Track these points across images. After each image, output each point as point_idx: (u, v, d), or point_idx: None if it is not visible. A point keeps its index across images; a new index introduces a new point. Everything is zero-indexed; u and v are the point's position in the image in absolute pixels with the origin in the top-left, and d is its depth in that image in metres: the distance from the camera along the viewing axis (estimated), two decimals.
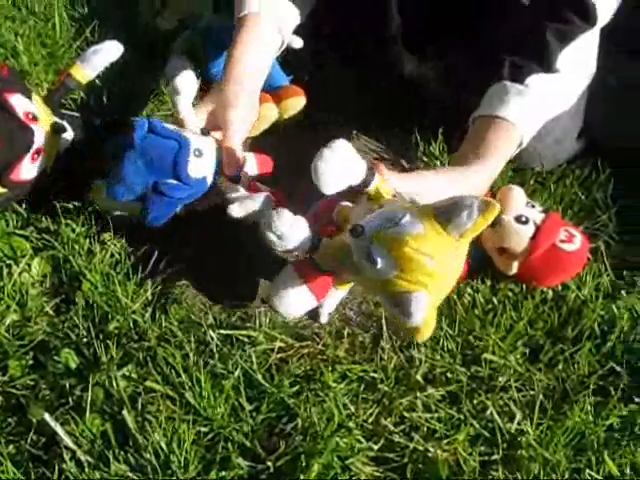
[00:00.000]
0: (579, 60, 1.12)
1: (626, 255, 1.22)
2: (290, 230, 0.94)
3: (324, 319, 1.11)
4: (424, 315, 0.86)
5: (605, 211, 1.25)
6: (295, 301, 0.98)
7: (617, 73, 1.27)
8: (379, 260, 0.87)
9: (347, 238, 0.92)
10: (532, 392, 1.06)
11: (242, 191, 1.11)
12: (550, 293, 1.14)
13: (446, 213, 0.86)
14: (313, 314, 1.08)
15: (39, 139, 1.13)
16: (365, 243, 0.89)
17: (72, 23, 1.51)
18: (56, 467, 0.95)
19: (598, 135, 1.29)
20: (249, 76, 1.13)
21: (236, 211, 1.04)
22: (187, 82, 1.12)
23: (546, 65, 1.09)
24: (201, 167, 1.10)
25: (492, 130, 1.09)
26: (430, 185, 1.02)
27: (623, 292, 1.16)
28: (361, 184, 0.96)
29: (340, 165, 0.93)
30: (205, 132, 1.15)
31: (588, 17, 1.08)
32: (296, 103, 1.29)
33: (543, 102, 1.11)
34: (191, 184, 1.09)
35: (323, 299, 1.00)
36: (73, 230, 1.16)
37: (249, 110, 1.13)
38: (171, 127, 1.10)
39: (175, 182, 1.08)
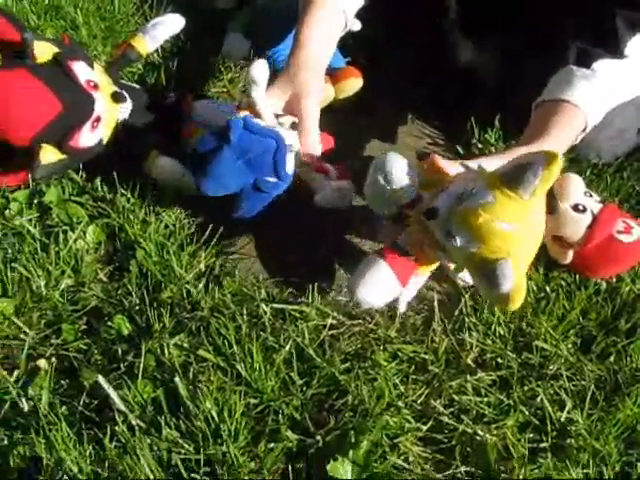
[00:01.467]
0: None
1: None
2: (399, 172, 0.95)
3: (403, 307, 1.09)
4: (512, 282, 0.86)
5: None
6: (381, 289, 1.01)
7: None
8: (457, 237, 0.89)
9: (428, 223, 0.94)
10: (583, 382, 1.05)
11: (321, 178, 1.11)
12: (604, 285, 1.13)
13: (512, 177, 0.87)
14: (392, 302, 1.07)
15: (100, 107, 1.14)
16: (442, 223, 0.90)
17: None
18: (108, 429, 0.95)
19: None
20: (317, 61, 1.14)
21: (324, 201, 1.08)
22: (262, 71, 1.13)
23: (614, 50, 1.08)
24: (293, 162, 1.11)
25: (556, 113, 1.08)
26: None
27: None
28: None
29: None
30: (294, 126, 1.14)
31: None
32: (353, 85, 1.29)
33: (609, 87, 1.10)
34: (287, 179, 1.10)
35: (406, 286, 1.01)
36: (128, 200, 1.17)
37: (320, 94, 1.13)
38: (262, 123, 1.10)
39: (274, 180, 1.09)
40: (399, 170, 0.96)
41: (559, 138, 1.07)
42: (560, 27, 1.14)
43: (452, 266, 1.04)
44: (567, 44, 1.11)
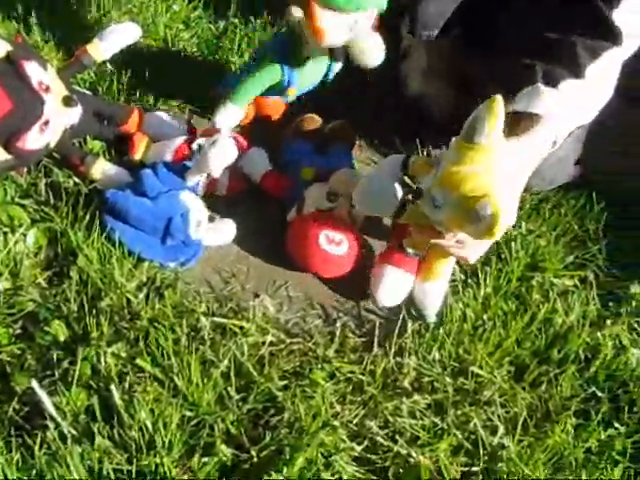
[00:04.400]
0: (603, 76, 1.16)
1: (613, 287, 1.24)
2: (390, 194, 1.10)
3: (431, 318, 1.14)
4: (491, 211, 0.92)
5: (596, 242, 1.28)
6: (400, 290, 1.15)
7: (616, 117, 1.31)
8: (440, 198, 0.99)
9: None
10: (515, 409, 1.08)
11: None
12: (539, 315, 1.16)
13: (466, 131, 0.97)
14: (419, 315, 1.14)
15: (49, 110, 1.13)
16: (427, 197, 1.01)
17: (88, 5, 1.50)
18: (38, 437, 0.93)
19: (592, 168, 1.32)
20: None
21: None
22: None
23: (577, 74, 1.13)
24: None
25: (527, 124, 1.12)
26: None
27: (609, 322, 1.18)
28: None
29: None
30: None
31: (614, 38, 1.13)
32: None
33: (573, 106, 1.14)
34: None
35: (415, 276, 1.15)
36: (72, 205, 1.15)
37: None
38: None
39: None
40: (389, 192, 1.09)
41: (532, 144, 1.11)
42: (523, 50, 1.18)
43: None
44: (534, 65, 1.15)
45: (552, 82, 1.13)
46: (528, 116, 1.12)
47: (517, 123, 1.12)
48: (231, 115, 1.23)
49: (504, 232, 1.00)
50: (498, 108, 0.94)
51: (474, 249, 1.09)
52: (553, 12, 1.18)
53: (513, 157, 1.01)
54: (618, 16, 1.13)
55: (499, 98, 0.94)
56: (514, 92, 1.15)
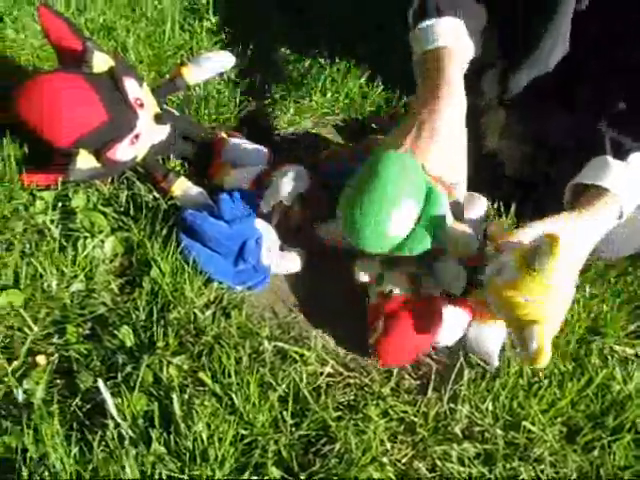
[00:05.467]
0: None
1: None
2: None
3: (496, 362, 1.14)
4: (536, 344, 0.95)
5: None
6: (454, 325, 1.14)
7: None
8: (493, 307, 1.02)
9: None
10: (565, 470, 1.07)
11: None
12: (597, 379, 1.15)
13: (530, 260, 0.97)
14: (486, 359, 1.14)
15: (141, 125, 1.18)
16: (485, 292, 1.03)
17: (181, 33, 1.57)
18: (97, 434, 0.95)
19: None
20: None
21: None
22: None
23: None
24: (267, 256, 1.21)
25: (593, 197, 1.12)
26: None
27: None
28: None
29: None
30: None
31: None
32: None
33: None
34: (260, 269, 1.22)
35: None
36: (151, 219, 1.19)
37: None
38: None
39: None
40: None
41: (596, 218, 1.11)
42: (594, 115, 1.19)
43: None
44: (603, 135, 1.16)
45: (621, 154, 1.14)
46: (594, 188, 1.13)
47: (583, 197, 1.13)
48: None
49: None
50: (556, 248, 0.95)
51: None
52: (630, 80, 1.19)
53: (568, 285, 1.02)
54: None
55: (558, 238, 0.94)
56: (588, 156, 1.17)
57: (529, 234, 1.06)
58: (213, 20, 1.61)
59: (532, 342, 0.94)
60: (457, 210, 1.15)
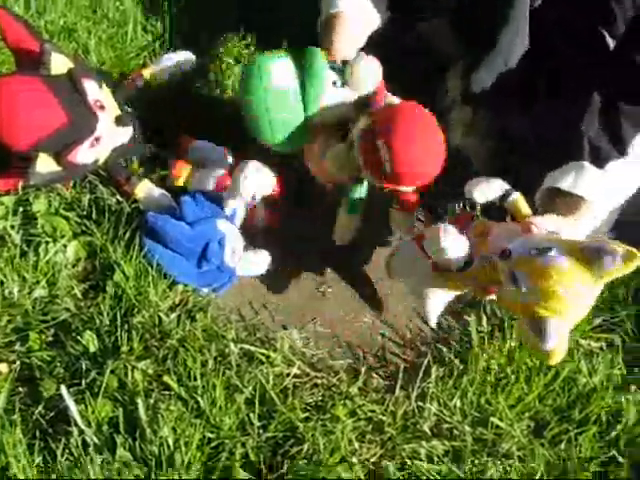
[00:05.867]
0: None
1: (639, 353, 1.24)
2: (453, 244, 1.03)
3: (434, 323, 1.13)
4: (557, 341, 0.92)
5: (625, 307, 1.28)
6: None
7: None
8: (522, 285, 0.95)
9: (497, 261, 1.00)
10: (533, 464, 1.07)
11: None
12: (563, 373, 1.16)
13: (592, 253, 0.93)
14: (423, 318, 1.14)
15: (102, 128, 1.16)
16: (511, 266, 0.97)
17: (143, 34, 1.55)
18: (61, 442, 0.94)
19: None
20: None
21: None
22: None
23: (621, 151, 1.14)
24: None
25: (572, 205, 1.12)
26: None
27: (633, 387, 1.18)
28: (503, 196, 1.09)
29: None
30: None
31: None
32: None
33: (618, 185, 1.15)
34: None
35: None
36: (114, 222, 1.18)
37: None
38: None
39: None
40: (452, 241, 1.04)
41: (577, 225, 1.11)
42: (571, 120, 1.19)
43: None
44: (581, 139, 1.15)
45: (599, 162, 1.14)
46: (570, 196, 1.13)
47: (558, 199, 1.14)
48: None
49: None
50: (634, 264, 0.92)
51: None
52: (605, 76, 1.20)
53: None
54: None
55: (638, 257, 0.91)
56: (556, 157, 1.18)
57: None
58: (176, 20, 1.59)
59: (551, 337, 0.92)
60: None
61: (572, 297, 0.94)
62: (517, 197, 1.09)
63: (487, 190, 1.11)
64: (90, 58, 1.44)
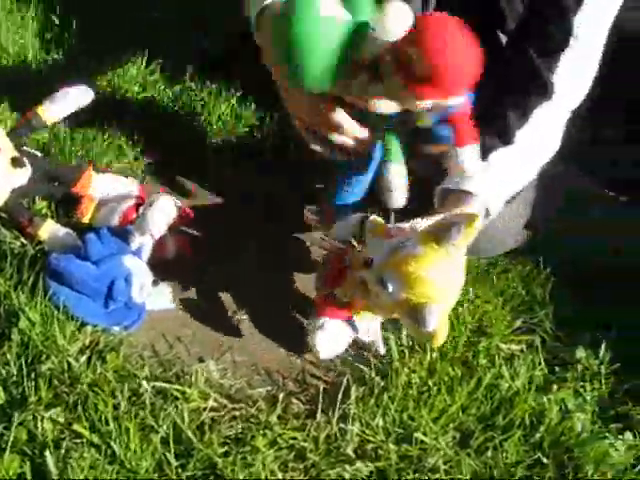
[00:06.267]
0: (538, 134, 1.17)
1: (559, 351, 1.25)
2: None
3: (382, 349, 1.16)
4: (435, 322, 0.95)
5: (543, 307, 1.28)
6: (337, 340, 1.13)
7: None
8: (389, 284, 0.98)
9: (362, 273, 1.04)
10: (460, 476, 1.06)
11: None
12: (485, 380, 1.15)
13: (439, 233, 0.97)
14: (369, 348, 1.16)
15: None
16: (376, 273, 1.00)
17: (43, 66, 1.52)
18: None
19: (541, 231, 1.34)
20: None
21: None
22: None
23: (507, 140, 1.15)
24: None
25: (457, 200, 1.13)
26: None
27: (554, 386, 1.18)
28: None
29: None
30: None
31: (544, 91, 1.14)
32: None
33: (505, 175, 1.16)
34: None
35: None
36: (18, 266, 1.14)
37: None
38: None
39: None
40: None
41: None
42: None
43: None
44: None
45: (481, 154, 1.14)
46: (459, 192, 1.13)
47: (449, 198, 1.14)
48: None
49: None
50: (475, 226, 0.97)
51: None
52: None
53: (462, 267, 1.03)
54: (557, 76, 1.14)
55: (479, 216, 0.98)
56: None
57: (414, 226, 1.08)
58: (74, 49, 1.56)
59: (430, 320, 0.94)
60: None
61: (436, 277, 0.97)
62: (371, 217, 1.11)
63: (347, 226, 1.13)
64: None
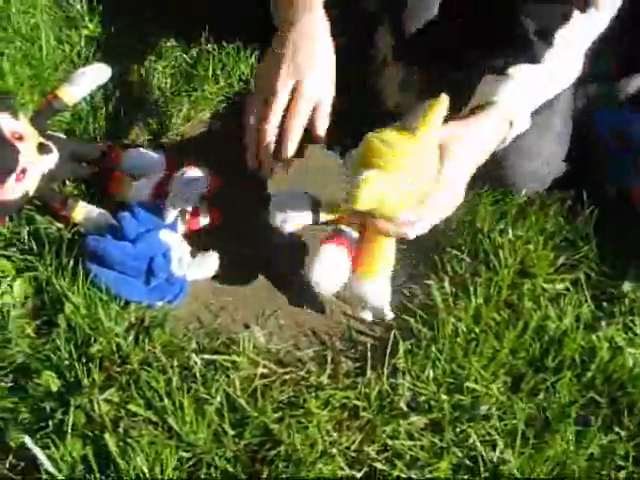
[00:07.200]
0: (563, 54, 1.15)
1: (605, 287, 1.23)
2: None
3: (389, 314, 1.09)
4: (363, 184, 0.90)
5: (586, 242, 1.26)
6: (332, 266, 1.08)
7: None
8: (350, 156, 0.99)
9: None
10: (514, 421, 1.06)
11: None
12: (532, 322, 1.14)
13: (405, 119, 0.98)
14: (377, 314, 1.10)
15: (25, 159, 1.13)
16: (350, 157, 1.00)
17: (59, 45, 1.50)
18: None
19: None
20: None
21: None
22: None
23: (531, 61, 1.13)
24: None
25: (478, 110, 1.12)
26: None
27: (603, 323, 1.17)
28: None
29: None
30: None
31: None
32: None
33: (529, 84, 1.14)
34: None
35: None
36: (57, 252, 1.15)
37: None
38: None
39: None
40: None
41: (481, 125, 1.10)
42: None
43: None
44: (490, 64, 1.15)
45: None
46: (477, 107, 1.13)
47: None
48: None
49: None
50: (440, 106, 0.94)
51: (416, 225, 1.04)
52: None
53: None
54: None
55: (445, 99, 0.94)
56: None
57: None
58: (91, 27, 1.54)
59: (358, 177, 0.90)
60: None
61: (392, 151, 0.94)
62: None
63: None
64: (6, 81, 1.40)
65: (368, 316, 1.11)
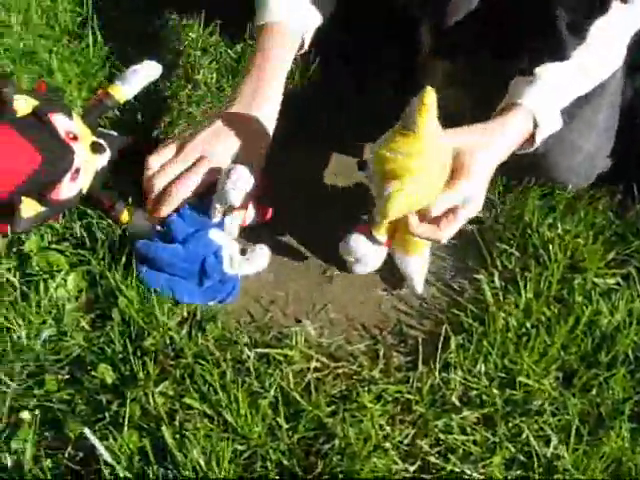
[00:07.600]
0: (595, 52, 1.14)
1: None
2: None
3: (420, 289, 1.16)
4: (392, 196, 0.99)
5: (637, 237, 1.25)
6: (369, 257, 1.15)
7: None
8: (374, 175, 1.04)
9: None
10: (567, 416, 1.06)
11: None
12: (584, 317, 1.14)
13: (403, 120, 0.99)
14: (410, 286, 1.16)
15: (79, 158, 1.14)
16: (369, 171, 1.05)
17: (105, 42, 1.51)
18: None
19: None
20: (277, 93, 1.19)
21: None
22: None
23: (561, 59, 1.12)
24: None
25: (502, 111, 1.14)
26: None
27: None
28: None
29: None
30: None
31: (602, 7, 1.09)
32: None
33: (557, 83, 1.14)
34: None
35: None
36: (109, 246, 1.16)
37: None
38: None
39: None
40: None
41: (504, 126, 1.12)
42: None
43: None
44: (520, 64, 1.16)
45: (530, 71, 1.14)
46: (502, 109, 1.15)
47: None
48: None
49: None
50: (429, 99, 0.95)
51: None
52: None
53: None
54: None
55: (431, 91, 0.95)
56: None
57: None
58: (136, 24, 1.55)
59: (385, 193, 0.98)
60: None
61: (406, 158, 0.98)
62: None
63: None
64: (55, 78, 1.41)
65: (361, 270, 1.17)
